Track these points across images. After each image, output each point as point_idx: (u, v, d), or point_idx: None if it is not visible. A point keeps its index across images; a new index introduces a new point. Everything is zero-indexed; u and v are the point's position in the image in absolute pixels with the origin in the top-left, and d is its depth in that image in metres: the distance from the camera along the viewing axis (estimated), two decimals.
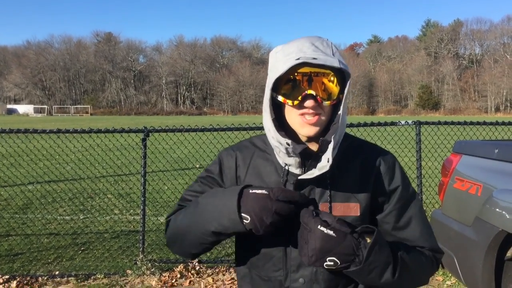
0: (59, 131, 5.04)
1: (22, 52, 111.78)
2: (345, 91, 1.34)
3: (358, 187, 1.40)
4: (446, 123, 5.56)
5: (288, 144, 1.32)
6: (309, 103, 1.29)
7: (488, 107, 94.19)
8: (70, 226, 6.50)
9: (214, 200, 1.35)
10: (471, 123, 5.87)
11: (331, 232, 1.23)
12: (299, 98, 1.29)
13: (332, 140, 1.32)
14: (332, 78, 1.31)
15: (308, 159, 1.37)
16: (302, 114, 1.31)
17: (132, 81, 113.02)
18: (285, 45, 1.39)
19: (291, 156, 1.36)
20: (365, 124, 5.25)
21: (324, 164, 1.32)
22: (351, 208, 1.38)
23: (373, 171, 1.42)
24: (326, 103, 1.30)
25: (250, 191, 1.29)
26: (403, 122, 5.26)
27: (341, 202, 1.38)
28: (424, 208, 5.60)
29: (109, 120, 60.98)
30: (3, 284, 4.44)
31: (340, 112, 1.35)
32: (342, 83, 1.34)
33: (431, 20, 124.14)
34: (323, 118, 1.33)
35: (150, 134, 5.11)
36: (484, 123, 5.91)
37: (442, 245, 3.65)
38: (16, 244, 5.66)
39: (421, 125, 5.38)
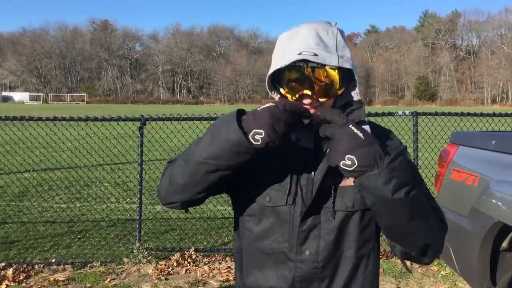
0: (55, 118, 5.02)
1: (18, 39, 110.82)
2: (357, 80, 1.39)
3: None
4: (443, 113, 5.57)
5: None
6: (305, 101, 1.34)
7: (485, 98, 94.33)
8: (67, 214, 6.50)
9: (218, 130, 1.28)
10: (468, 114, 5.89)
11: (360, 134, 1.22)
12: (297, 95, 1.34)
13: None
14: (334, 68, 1.33)
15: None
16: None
17: (128, 69, 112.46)
18: (292, 32, 1.40)
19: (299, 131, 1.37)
20: (369, 114, 5.24)
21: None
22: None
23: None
24: (323, 100, 1.33)
25: (253, 109, 1.29)
26: (400, 112, 5.26)
27: None
28: None
29: (106, 108, 60.74)
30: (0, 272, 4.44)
31: (356, 97, 1.41)
32: (348, 71, 1.37)
33: (429, 10, 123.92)
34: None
35: (147, 122, 5.09)
36: (481, 114, 5.92)
37: None
38: (12, 232, 5.66)
39: (418, 116, 5.38)
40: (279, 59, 1.35)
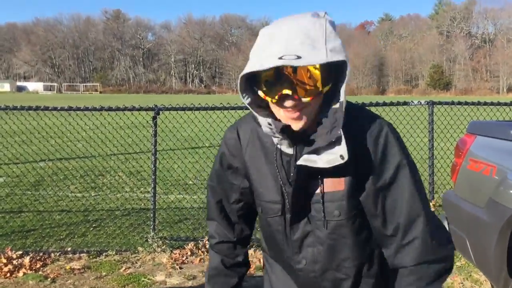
0: (70, 108, 5.04)
1: (31, 28, 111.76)
2: (346, 78, 1.23)
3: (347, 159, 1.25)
4: (459, 103, 5.49)
5: (270, 124, 1.26)
6: (287, 103, 1.20)
7: (500, 87, 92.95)
8: (82, 203, 6.57)
9: None
10: (485, 103, 5.79)
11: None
12: (276, 97, 1.20)
13: (341, 133, 1.22)
14: (317, 66, 1.18)
15: (299, 136, 1.29)
16: (285, 109, 1.23)
17: (141, 59, 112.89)
18: (274, 27, 1.25)
19: (276, 137, 1.30)
20: (377, 104, 5.19)
21: (333, 158, 1.23)
22: (339, 183, 1.30)
23: (357, 140, 1.28)
24: (306, 99, 1.20)
25: None
26: (415, 102, 5.19)
27: (330, 177, 1.30)
28: (436, 190, 5.57)
29: (119, 98, 61.10)
30: (17, 260, 4.50)
31: (342, 100, 1.24)
32: (336, 67, 1.23)
33: None
34: (308, 109, 1.23)
35: (161, 112, 5.10)
36: (498, 103, 5.82)
37: (454, 227, 3.64)
38: (29, 221, 5.73)
39: (434, 105, 5.31)
40: (258, 60, 1.20)
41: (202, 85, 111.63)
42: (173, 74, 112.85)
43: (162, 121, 6.05)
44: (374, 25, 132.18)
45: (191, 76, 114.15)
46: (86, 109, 5.05)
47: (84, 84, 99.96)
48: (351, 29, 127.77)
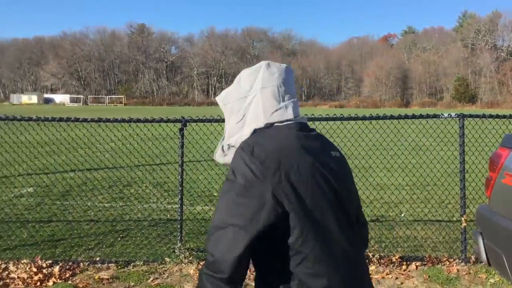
0: (100, 120, 5.12)
1: (58, 42, 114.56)
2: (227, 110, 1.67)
3: None
4: (490, 116, 5.37)
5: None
6: None
7: None
8: (110, 213, 6.63)
9: None
10: None
11: None
12: None
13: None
14: None
15: None
16: None
17: (164, 72, 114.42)
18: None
19: None
20: (406, 117, 5.12)
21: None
22: None
23: None
24: None
25: None
26: (445, 115, 5.11)
27: None
28: (467, 204, 5.47)
29: (143, 110, 61.93)
30: (46, 269, 4.56)
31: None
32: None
33: (468, 11, 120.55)
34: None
35: (188, 124, 5.14)
36: None
37: (489, 242, 3.54)
38: (58, 230, 5.81)
39: (465, 118, 5.21)
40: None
41: None
42: (195, 86, 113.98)
43: (189, 133, 6.08)
44: (397, 37, 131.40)
45: (213, 88, 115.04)
46: (116, 120, 5.12)
47: (109, 96, 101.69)
48: (373, 42, 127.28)
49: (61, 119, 5.14)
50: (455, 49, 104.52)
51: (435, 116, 5.14)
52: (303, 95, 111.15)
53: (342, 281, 1.43)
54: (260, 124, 1.55)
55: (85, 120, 5.18)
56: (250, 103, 1.59)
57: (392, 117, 5.10)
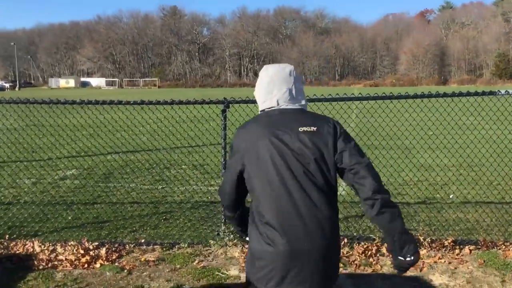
0: (142, 102, 5.08)
1: (93, 26, 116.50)
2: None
3: None
4: None
5: None
6: None
7: None
8: (152, 195, 6.67)
9: None
10: None
11: None
12: None
13: None
14: None
15: None
16: None
17: (196, 54, 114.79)
18: None
19: None
20: (460, 94, 4.85)
21: None
22: None
23: None
24: None
25: None
26: (503, 91, 4.81)
27: None
28: None
29: (176, 92, 62.49)
30: (93, 251, 4.60)
31: None
32: None
33: None
34: None
35: (230, 105, 5.03)
36: None
37: None
38: (103, 212, 5.88)
39: None
40: None
41: (256, 78, 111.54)
42: (227, 68, 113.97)
43: (232, 114, 5.98)
44: (434, 13, 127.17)
45: (245, 69, 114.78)
46: (158, 102, 5.07)
47: (143, 79, 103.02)
48: (410, 18, 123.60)
49: (104, 102, 5.11)
50: (495, 24, 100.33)
51: (491, 93, 4.85)
52: (336, 74, 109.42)
53: (278, 218, 2.06)
54: (260, 109, 2.30)
55: (128, 102, 5.15)
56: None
57: (445, 95, 4.83)
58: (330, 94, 4.98)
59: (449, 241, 4.69)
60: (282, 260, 2.04)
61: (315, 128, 2.15)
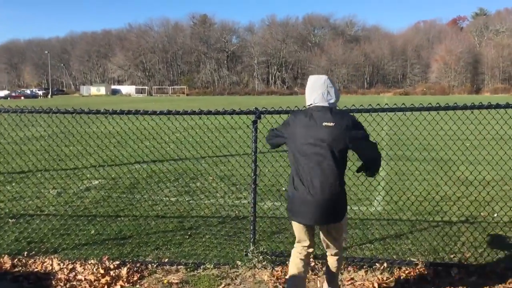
0: (169, 112, 4.80)
1: (125, 35, 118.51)
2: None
3: None
4: None
5: None
6: None
7: None
8: (176, 208, 6.38)
9: None
10: None
11: None
12: None
13: None
14: None
15: None
16: None
17: (225, 61, 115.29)
18: None
19: None
20: (498, 106, 4.34)
21: None
22: None
23: None
24: None
25: None
26: None
27: None
28: None
29: (205, 100, 62.75)
30: (114, 270, 4.33)
31: None
32: None
33: None
34: None
35: (262, 116, 4.70)
36: None
37: None
38: (125, 226, 5.62)
39: None
40: None
41: (284, 86, 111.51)
42: (255, 75, 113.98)
43: (263, 125, 5.65)
44: (467, 20, 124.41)
45: (273, 77, 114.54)
46: (185, 113, 4.79)
47: (172, 87, 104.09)
48: (442, 25, 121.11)
49: (129, 112, 4.85)
50: None
51: None
52: (365, 82, 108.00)
53: (305, 178, 3.26)
54: (307, 105, 3.43)
55: (162, 112, 4.84)
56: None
57: (481, 107, 4.36)
58: (361, 105, 4.59)
59: (501, 267, 4.22)
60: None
61: (333, 124, 3.21)
